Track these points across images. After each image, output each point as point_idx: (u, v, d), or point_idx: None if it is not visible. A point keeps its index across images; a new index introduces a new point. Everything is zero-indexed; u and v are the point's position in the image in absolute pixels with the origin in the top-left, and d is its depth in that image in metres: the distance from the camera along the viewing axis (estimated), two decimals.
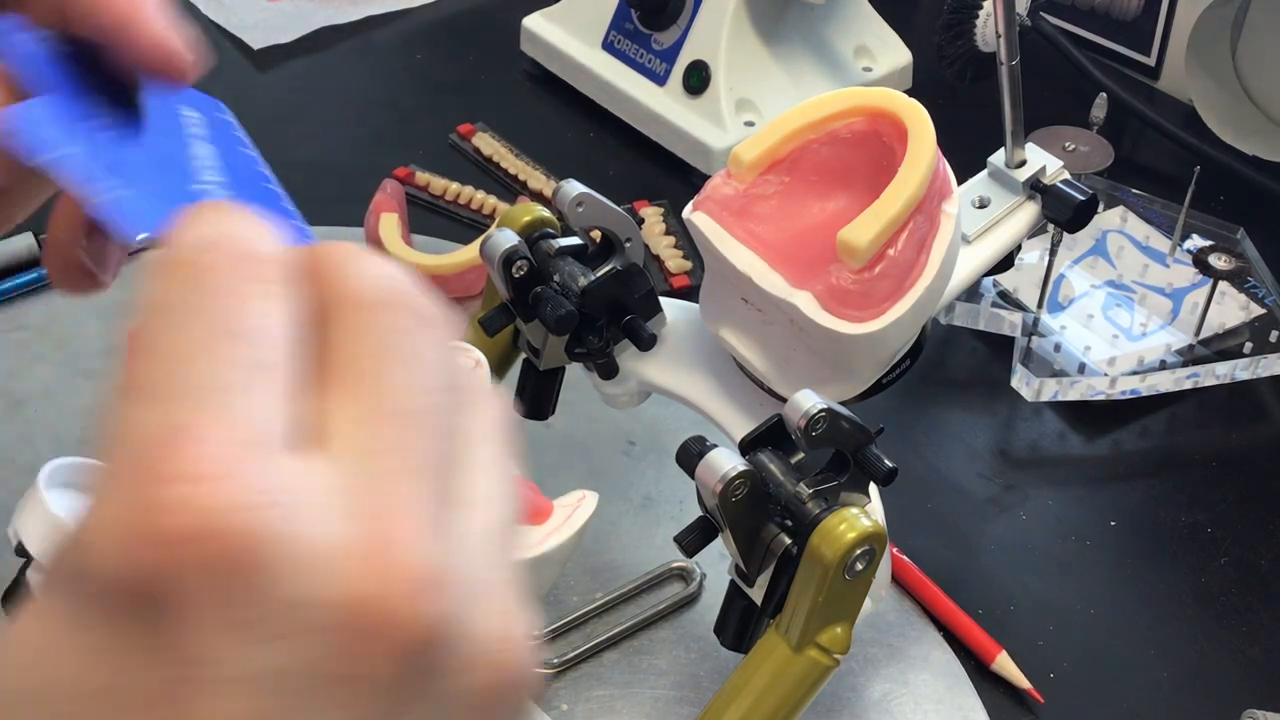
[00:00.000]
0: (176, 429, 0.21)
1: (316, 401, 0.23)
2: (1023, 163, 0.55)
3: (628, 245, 0.51)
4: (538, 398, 0.55)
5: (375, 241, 0.74)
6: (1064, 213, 0.53)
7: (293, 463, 0.22)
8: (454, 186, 0.80)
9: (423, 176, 0.81)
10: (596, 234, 0.52)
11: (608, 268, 0.51)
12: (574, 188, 0.50)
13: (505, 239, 0.49)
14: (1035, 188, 0.54)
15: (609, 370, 0.53)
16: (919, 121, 0.45)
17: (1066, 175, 0.55)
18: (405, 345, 0.24)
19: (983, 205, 0.54)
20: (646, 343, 0.51)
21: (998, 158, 0.55)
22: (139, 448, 0.21)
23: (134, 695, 0.21)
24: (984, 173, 0.56)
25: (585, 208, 0.50)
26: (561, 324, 0.48)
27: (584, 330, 0.51)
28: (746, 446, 0.43)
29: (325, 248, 0.25)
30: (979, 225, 0.54)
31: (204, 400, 0.22)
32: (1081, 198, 0.53)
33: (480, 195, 0.80)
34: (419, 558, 0.22)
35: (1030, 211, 0.55)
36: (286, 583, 0.21)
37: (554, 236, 0.50)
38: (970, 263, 0.53)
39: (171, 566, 0.21)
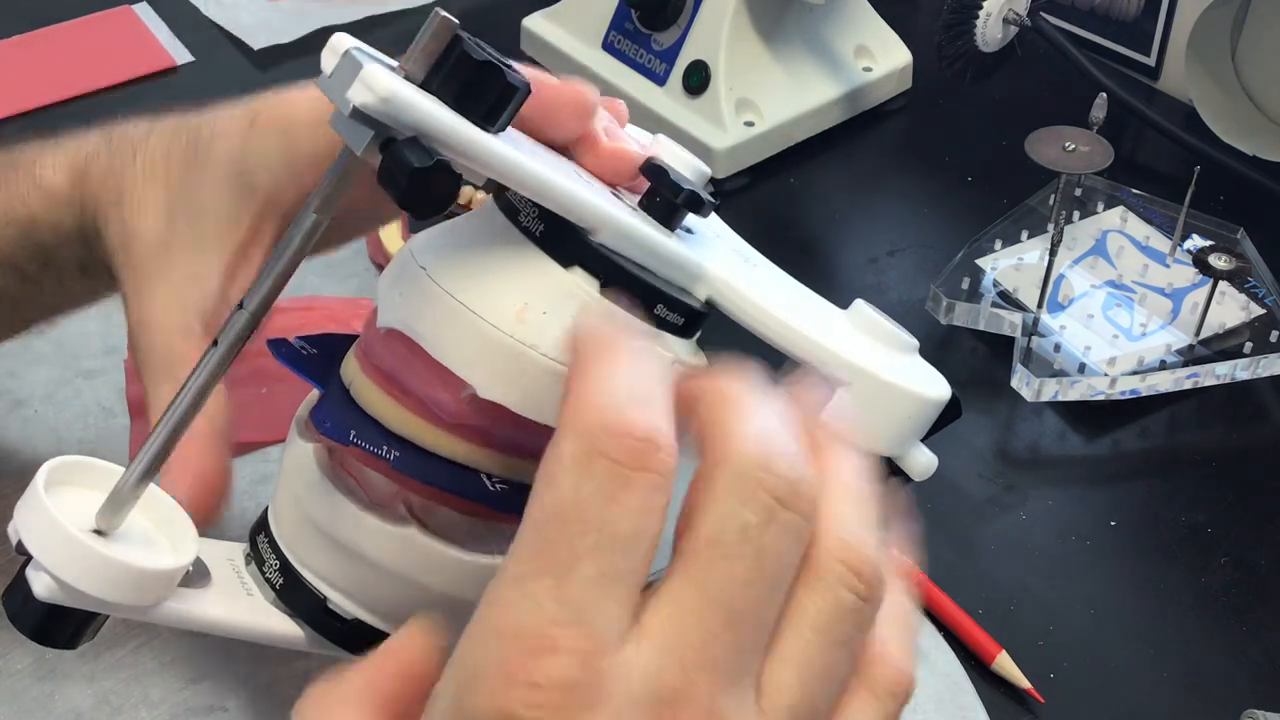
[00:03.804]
0: (542, 639, 0.26)
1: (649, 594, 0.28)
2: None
3: None
4: None
5: (375, 241, 0.74)
6: (396, 184, 0.33)
7: (619, 659, 0.27)
8: None
9: None
10: None
11: None
12: None
13: None
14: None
15: None
16: None
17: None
18: (722, 573, 0.28)
19: None
20: None
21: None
22: (511, 643, 0.26)
23: None
24: None
25: None
26: None
27: None
28: None
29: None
30: None
31: (570, 615, 0.26)
32: (418, 164, 0.32)
33: (480, 195, 0.80)
34: None
35: None
36: None
37: None
38: None
39: None
